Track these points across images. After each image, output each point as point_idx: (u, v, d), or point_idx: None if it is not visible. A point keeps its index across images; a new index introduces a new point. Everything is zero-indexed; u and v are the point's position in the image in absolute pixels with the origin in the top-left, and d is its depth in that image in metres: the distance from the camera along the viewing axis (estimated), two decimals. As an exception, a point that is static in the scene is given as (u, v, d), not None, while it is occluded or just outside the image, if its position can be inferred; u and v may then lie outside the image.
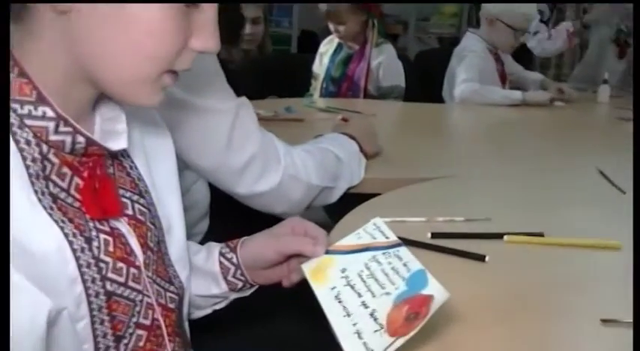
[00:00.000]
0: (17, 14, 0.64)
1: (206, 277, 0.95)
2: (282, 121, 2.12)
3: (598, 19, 4.01)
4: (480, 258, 0.98)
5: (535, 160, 1.77)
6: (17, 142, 0.65)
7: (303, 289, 0.83)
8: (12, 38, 0.65)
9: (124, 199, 0.77)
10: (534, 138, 2.27)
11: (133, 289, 0.74)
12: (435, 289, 0.70)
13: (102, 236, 0.71)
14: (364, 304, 0.74)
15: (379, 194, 1.34)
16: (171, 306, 0.82)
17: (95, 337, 0.70)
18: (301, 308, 1.19)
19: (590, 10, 4.06)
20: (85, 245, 0.68)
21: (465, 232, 1.09)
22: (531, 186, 1.47)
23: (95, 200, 0.71)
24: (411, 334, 0.66)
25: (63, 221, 0.66)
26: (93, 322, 0.69)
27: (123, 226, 0.75)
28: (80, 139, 0.69)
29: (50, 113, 0.66)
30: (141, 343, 0.76)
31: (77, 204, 0.70)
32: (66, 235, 0.66)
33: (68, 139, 0.68)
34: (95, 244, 0.69)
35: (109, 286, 0.71)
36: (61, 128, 0.67)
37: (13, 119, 0.65)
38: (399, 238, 0.84)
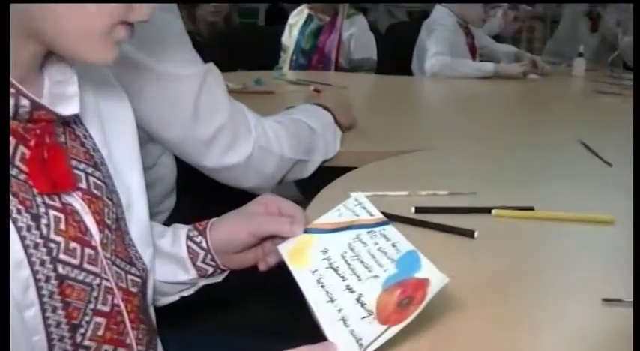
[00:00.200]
0: None
1: (173, 262, 0.88)
2: (252, 94, 2.07)
3: None
4: (469, 234, 0.92)
5: (515, 133, 1.73)
6: None
7: (280, 271, 0.76)
8: None
9: (77, 172, 0.69)
10: (510, 110, 2.25)
11: (89, 272, 0.67)
12: (430, 272, 0.63)
13: (52, 213, 0.63)
14: (349, 289, 0.67)
15: (355, 168, 1.27)
16: (134, 290, 0.75)
17: (47, 326, 0.63)
18: (277, 292, 1.13)
19: None
20: (32, 223, 0.61)
21: (450, 206, 1.03)
22: (514, 159, 1.42)
23: (44, 172, 0.63)
24: (406, 322, 0.59)
25: (5, 196, 0.59)
26: (44, 310, 0.62)
27: (76, 201, 0.67)
28: (24, 102, 0.60)
29: None
30: (100, 332, 0.69)
31: (23, 176, 0.62)
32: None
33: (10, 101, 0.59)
34: (44, 221, 0.62)
35: (61, 269, 0.63)
36: None
37: None
38: (382, 213, 0.77)
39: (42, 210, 0.62)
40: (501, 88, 2.66)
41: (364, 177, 1.22)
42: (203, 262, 0.87)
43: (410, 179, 1.21)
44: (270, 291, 1.16)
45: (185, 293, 0.92)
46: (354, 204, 0.81)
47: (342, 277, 0.69)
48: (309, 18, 2.98)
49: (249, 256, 0.87)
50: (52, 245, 0.62)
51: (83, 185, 0.69)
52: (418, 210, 1.00)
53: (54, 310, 0.63)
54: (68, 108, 0.66)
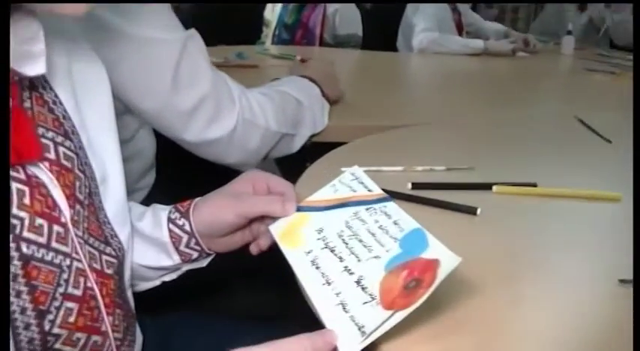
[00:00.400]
0: None
1: (154, 246, 0.81)
2: (234, 68, 2.00)
3: None
4: (472, 211, 0.86)
5: (508, 109, 1.67)
6: None
7: (271, 254, 0.70)
8: None
9: (45, 141, 0.62)
10: (501, 87, 2.20)
11: (58, 252, 0.60)
12: (439, 252, 0.57)
13: (15, 185, 0.56)
14: (347, 270, 0.60)
15: (345, 143, 1.20)
16: (109, 271, 0.68)
17: (11, 313, 0.56)
18: (265, 276, 1.06)
19: None
20: None
21: (449, 182, 0.96)
22: (511, 134, 1.36)
23: (6, 140, 0.55)
24: (414, 306, 0.53)
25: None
26: None
27: (43, 173, 0.60)
28: None
29: None
30: (71, 319, 0.62)
31: None
32: None
33: None
34: None
35: (25, 249, 0.56)
36: None
37: None
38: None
39: None
40: (490, 65, 2.62)
41: (355, 152, 1.16)
42: (187, 246, 0.80)
43: (404, 154, 1.14)
44: (258, 274, 1.09)
45: (167, 278, 0.85)
46: (351, 178, 0.75)
47: (340, 258, 0.63)
48: (293, -8, 2.91)
49: (236, 238, 0.80)
50: (16, 222, 0.55)
51: (51, 155, 0.62)
52: (415, 186, 0.94)
53: (18, 294, 0.56)
54: (33, 68, 0.58)
